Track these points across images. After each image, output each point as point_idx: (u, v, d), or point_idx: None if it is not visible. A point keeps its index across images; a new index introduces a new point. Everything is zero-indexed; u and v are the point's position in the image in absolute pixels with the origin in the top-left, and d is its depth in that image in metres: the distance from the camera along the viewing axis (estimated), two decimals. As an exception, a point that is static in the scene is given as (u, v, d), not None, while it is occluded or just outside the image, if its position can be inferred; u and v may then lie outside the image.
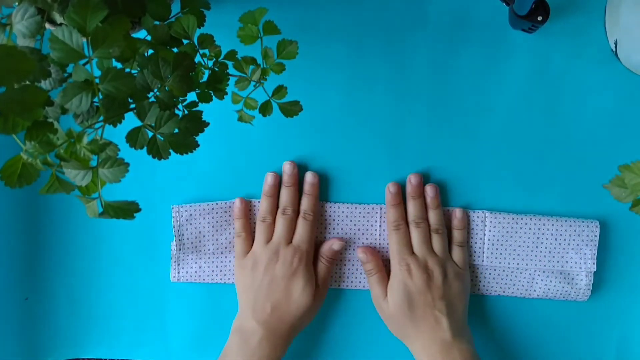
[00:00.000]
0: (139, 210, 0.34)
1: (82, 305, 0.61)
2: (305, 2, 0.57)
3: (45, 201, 0.60)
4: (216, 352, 0.61)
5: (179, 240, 0.59)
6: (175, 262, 0.59)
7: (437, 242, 0.56)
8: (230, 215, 0.59)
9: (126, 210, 0.34)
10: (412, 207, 0.57)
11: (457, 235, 0.57)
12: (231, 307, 0.60)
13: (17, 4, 0.32)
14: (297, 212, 0.57)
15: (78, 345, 0.62)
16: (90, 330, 0.62)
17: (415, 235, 0.56)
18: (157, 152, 0.35)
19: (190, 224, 0.59)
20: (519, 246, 0.57)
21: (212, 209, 0.59)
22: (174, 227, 0.58)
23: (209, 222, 0.59)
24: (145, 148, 0.35)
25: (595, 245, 0.56)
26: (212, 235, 0.59)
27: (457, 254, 0.57)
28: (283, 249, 0.55)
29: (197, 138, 0.37)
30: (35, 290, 0.61)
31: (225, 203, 0.59)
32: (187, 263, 0.59)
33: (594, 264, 0.56)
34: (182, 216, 0.59)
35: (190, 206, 0.59)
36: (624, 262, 0.58)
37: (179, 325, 0.61)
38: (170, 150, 0.36)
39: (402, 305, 0.54)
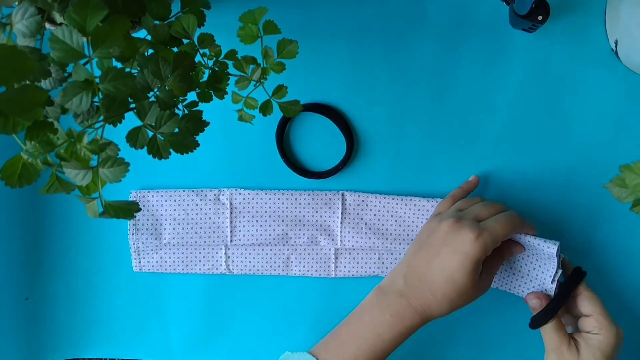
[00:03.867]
0: (139, 210, 0.34)
1: (82, 305, 0.61)
2: (305, 1, 0.57)
3: (45, 201, 0.60)
4: (216, 352, 0.61)
5: (134, 225, 0.59)
6: (135, 251, 0.59)
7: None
8: (188, 205, 0.59)
9: (126, 210, 0.34)
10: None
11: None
12: (231, 306, 0.61)
13: (17, 3, 0.32)
14: None
15: (78, 345, 0.62)
16: (90, 330, 0.62)
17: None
18: (158, 151, 0.35)
19: (147, 210, 0.59)
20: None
21: (170, 196, 0.59)
22: None
23: (166, 210, 0.59)
24: (145, 148, 0.35)
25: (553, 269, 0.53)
26: (170, 224, 0.59)
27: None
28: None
29: (198, 137, 0.37)
30: (35, 290, 0.61)
31: (184, 191, 0.59)
32: (148, 253, 0.59)
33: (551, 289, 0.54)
34: (138, 201, 0.58)
35: (148, 192, 0.59)
36: (624, 262, 0.58)
37: (179, 324, 0.61)
38: (171, 150, 0.36)
39: None
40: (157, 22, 0.38)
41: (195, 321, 0.61)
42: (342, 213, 0.58)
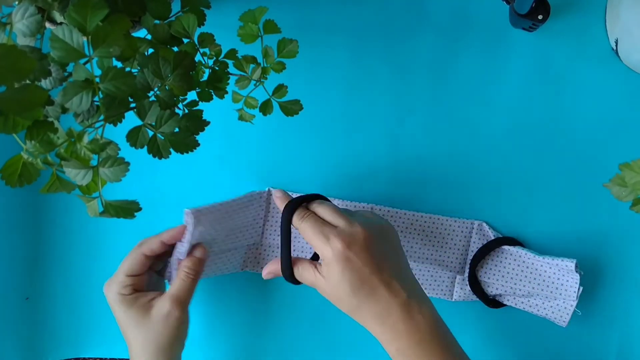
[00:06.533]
0: (139, 209, 0.34)
1: (82, 305, 0.61)
2: (305, 1, 0.57)
3: (45, 200, 0.60)
4: (217, 351, 0.61)
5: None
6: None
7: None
8: (235, 211, 0.55)
9: (127, 209, 0.34)
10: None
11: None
12: (231, 305, 0.60)
13: (17, 3, 0.32)
14: None
15: (78, 345, 0.62)
16: (90, 330, 0.62)
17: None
18: (158, 151, 0.35)
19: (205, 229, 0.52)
20: (502, 276, 0.57)
21: (232, 209, 0.54)
22: (188, 230, 0.51)
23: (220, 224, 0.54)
24: (145, 147, 0.35)
25: (575, 292, 0.54)
26: (222, 240, 0.55)
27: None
28: None
29: (198, 137, 0.37)
30: (35, 290, 0.61)
31: (244, 198, 0.55)
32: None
33: (572, 305, 0.55)
34: (196, 218, 0.51)
35: (208, 210, 0.52)
36: (624, 262, 0.58)
37: (179, 324, 0.61)
38: (171, 150, 0.36)
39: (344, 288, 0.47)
40: (157, 21, 0.38)
41: (195, 321, 0.61)
42: None
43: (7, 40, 0.32)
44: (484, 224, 0.57)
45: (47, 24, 0.38)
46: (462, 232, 0.57)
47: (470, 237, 0.57)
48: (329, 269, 0.46)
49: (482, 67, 0.57)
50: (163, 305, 0.51)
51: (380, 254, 0.46)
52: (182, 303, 0.51)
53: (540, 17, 0.51)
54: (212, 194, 0.59)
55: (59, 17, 0.38)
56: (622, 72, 0.56)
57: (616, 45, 0.54)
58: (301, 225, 0.48)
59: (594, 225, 0.57)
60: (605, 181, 0.36)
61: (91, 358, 0.62)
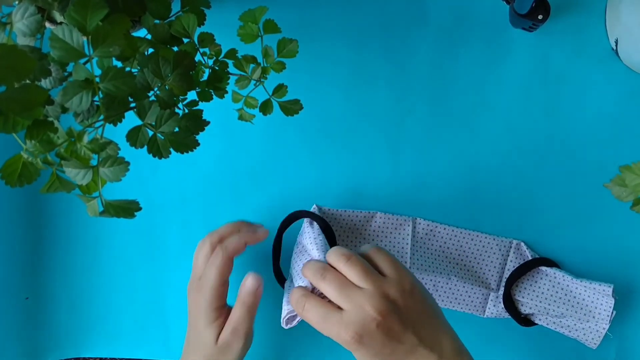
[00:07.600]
0: (139, 209, 0.34)
1: (82, 305, 0.61)
2: (305, 1, 0.57)
3: (45, 200, 0.60)
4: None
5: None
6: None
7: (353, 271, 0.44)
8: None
9: (127, 209, 0.34)
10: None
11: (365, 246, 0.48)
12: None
13: (17, 2, 0.32)
14: None
15: (78, 345, 0.62)
16: (90, 330, 0.62)
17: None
18: (158, 151, 0.35)
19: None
20: (538, 294, 0.57)
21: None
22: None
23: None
24: (145, 147, 0.35)
25: (608, 316, 0.54)
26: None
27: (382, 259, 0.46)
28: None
29: (198, 137, 0.37)
30: (35, 290, 0.61)
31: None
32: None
33: (604, 328, 0.55)
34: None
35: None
36: (624, 262, 0.58)
37: (180, 324, 0.61)
38: (171, 149, 0.36)
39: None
40: (157, 21, 0.38)
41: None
42: (412, 239, 0.57)
43: (7, 40, 0.32)
44: (522, 244, 0.57)
45: (47, 24, 0.39)
46: (499, 250, 0.57)
47: (508, 255, 0.57)
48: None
49: (482, 67, 0.57)
50: (226, 336, 0.52)
51: (401, 327, 0.42)
52: (240, 333, 0.52)
53: (540, 17, 0.51)
54: (212, 194, 0.59)
55: (59, 17, 0.38)
56: (622, 72, 0.56)
57: (616, 45, 0.54)
58: (304, 312, 0.44)
59: (594, 225, 0.57)
60: (605, 181, 0.36)
61: (91, 358, 0.62)
